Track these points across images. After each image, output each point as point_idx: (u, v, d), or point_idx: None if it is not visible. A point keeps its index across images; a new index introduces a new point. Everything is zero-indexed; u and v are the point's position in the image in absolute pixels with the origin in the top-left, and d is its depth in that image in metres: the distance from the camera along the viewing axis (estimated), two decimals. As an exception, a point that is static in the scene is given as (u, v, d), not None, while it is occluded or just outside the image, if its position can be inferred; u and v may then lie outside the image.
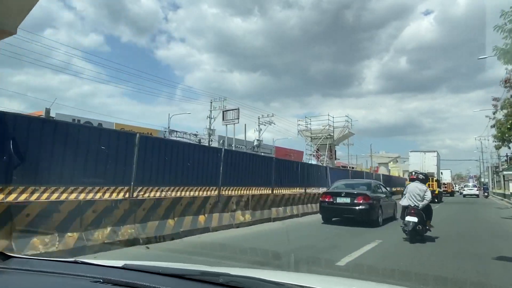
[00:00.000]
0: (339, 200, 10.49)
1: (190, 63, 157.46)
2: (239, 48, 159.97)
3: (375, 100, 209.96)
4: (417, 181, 8.16)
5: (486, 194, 42.00)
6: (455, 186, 53.70)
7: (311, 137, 32.68)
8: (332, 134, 32.10)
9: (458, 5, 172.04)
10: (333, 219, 10.81)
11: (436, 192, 23.65)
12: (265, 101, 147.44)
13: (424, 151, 25.76)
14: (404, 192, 8.30)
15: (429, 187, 21.79)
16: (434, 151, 25.87)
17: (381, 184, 12.82)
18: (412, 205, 7.77)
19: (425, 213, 7.78)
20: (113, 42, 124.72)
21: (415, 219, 7.49)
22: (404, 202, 8.04)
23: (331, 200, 10.61)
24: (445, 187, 41.32)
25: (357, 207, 10.14)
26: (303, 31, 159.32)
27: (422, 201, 7.82)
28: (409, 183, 8.80)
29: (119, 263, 1.45)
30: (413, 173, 8.79)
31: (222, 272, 1.30)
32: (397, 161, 75.50)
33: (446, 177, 43.20)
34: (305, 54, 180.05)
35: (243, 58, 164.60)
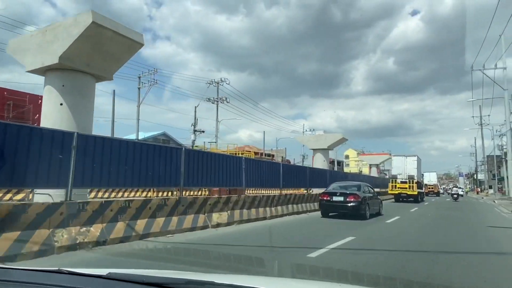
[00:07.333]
0: (335, 198, 12.74)
1: (176, 62, 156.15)
2: (226, 47, 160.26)
3: (364, 101, 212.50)
4: (456, 187, 38.20)
5: (461, 194, 46.71)
6: (441, 187, 57.47)
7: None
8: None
9: (445, 5, 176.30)
10: (329, 214, 12.98)
11: (416, 193, 25.65)
12: (254, 101, 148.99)
13: (406, 156, 28.14)
14: (451, 190, 37.94)
15: (409, 189, 26.15)
16: (415, 156, 28.35)
17: (369, 186, 14.96)
18: (456, 193, 31.34)
19: (459, 195, 31.93)
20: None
21: (456, 196, 30.67)
22: (452, 192, 33.18)
23: (329, 198, 12.89)
24: (432, 188, 45.51)
25: (349, 204, 12.38)
26: (290, 30, 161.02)
27: (458, 192, 32.79)
28: (453, 187, 39.20)
29: (104, 271, 1.44)
30: (454, 184, 49.50)
31: (207, 281, 1.38)
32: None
33: (432, 179, 47.69)
34: (293, 54, 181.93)
35: (230, 57, 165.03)
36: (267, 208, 11.87)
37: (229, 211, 9.91)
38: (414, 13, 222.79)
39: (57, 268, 1.49)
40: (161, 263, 5.16)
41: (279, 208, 12.67)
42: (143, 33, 10.84)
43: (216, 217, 9.33)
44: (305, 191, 16.25)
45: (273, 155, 55.47)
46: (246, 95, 74.66)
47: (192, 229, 8.35)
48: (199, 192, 19.90)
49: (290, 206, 13.56)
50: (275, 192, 13.78)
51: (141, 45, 10.37)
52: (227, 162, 10.49)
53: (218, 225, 9.22)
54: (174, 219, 8.06)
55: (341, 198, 12.55)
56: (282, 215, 12.55)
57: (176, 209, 8.21)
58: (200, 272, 1.83)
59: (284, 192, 13.97)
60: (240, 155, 22.10)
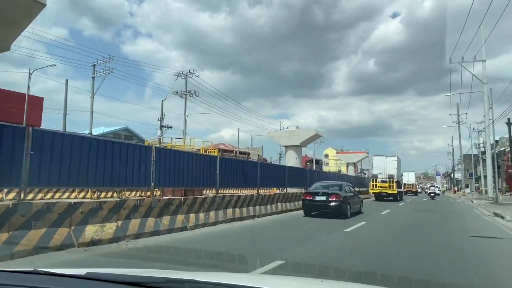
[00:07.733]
0: (317, 198, 12.71)
1: (158, 59, 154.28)
2: (208, 45, 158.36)
3: (346, 101, 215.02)
4: (433, 187, 45.58)
5: (438, 193, 46.03)
6: (419, 186, 57.70)
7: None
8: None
9: (424, 8, 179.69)
10: (312, 213, 12.84)
11: (395, 192, 25.81)
12: (237, 100, 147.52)
13: (386, 156, 28.03)
14: (429, 189, 42.35)
15: (389, 188, 25.76)
16: (395, 156, 28.15)
17: (350, 185, 15.12)
18: (434, 192, 36.03)
19: (436, 194, 36.49)
20: (76, 35, 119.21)
21: (433, 195, 34.73)
22: (430, 191, 37.98)
23: (311, 198, 12.83)
24: (410, 188, 45.16)
25: (331, 204, 12.38)
26: (273, 29, 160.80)
27: (435, 191, 37.98)
28: (430, 186, 48.91)
29: (82, 271, 1.40)
30: (432, 184, 65.60)
31: (187, 279, 1.33)
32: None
33: (411, 178, 47.29)
34: (276, 53, 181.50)
35: (212, 55, 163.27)
36: (191, 215, 9.03)
37: (120, 222, 7.04)
38: (394, 15, 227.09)
39: (32, 269, 1.44)
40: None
41: (211, 213, 9.85)
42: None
43: (92, 230, 6.43)
44: (255, 192, 13.53)
45: (249, 153, 53.17)
46: (229, 94, 72.95)
47: (39, 250, 5.46)
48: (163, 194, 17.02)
49: (229, 210, 10.74)
50: (211, 193, 11.02)
51: (43, 5, 7.38)
52: (121, 152, 7.55)
53: (95, 241, 6.35)
54: (1, 237, 5.16)
55: (323, 198, 12.57)
56: (214, 223, 9.72)
57: (8, 221, 5.31)
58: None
59: (222, 192, 11.21)
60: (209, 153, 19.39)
